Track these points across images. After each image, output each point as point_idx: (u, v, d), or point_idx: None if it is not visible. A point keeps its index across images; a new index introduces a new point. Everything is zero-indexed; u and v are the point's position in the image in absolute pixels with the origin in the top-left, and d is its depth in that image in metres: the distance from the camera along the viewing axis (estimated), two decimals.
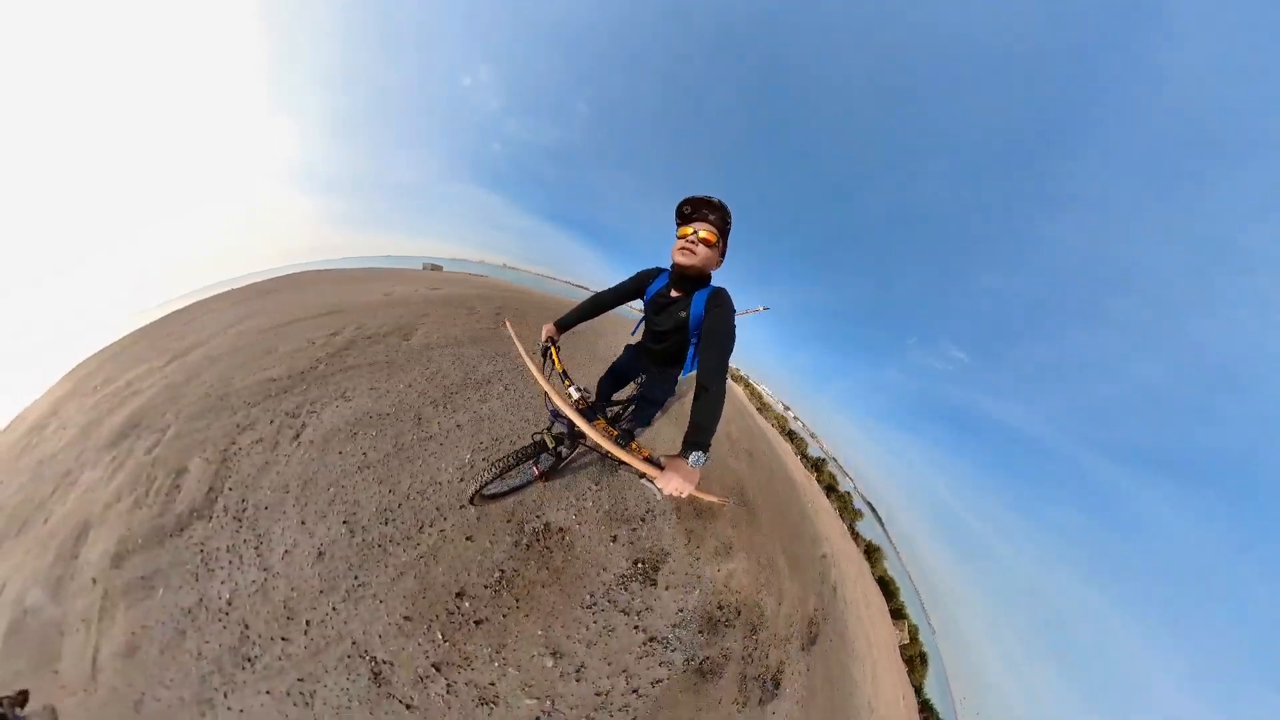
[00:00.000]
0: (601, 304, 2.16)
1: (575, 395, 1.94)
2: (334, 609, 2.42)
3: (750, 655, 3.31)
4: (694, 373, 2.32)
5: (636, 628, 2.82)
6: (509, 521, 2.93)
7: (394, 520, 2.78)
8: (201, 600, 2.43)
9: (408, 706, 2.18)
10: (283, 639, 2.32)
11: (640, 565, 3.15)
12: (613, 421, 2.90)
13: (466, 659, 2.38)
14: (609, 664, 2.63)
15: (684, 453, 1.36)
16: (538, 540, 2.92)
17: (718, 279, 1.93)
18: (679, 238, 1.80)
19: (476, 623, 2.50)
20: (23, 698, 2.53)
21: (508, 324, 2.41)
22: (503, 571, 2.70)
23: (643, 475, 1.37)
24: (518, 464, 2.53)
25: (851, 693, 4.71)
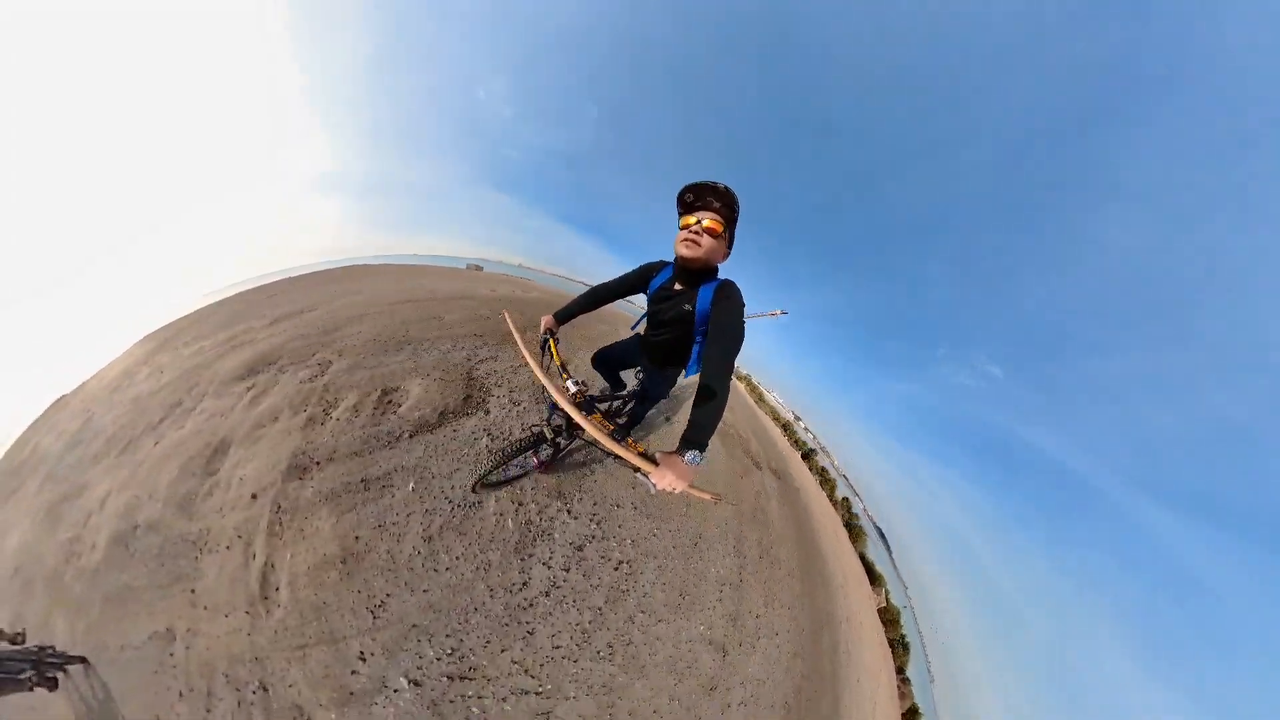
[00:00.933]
0: (602, 296, 2.09)
1: (573, 389, 1.93)
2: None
3: None
4: (695, 374, 2.32)
5: None
6: None
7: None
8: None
9: None
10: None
11: None
12: (610, 415, 2.94)
13: None
14: None
15: (681, 450, 1.34)
16: None
17: (725, 272, 1.83)
18: (681, 228, 1.70)
19: None
20: (20, 638, 2.68)
21: (506, 315, 2.38)
22: None
23: (637, 470, 1.38)
24: (518, 454, 2.62)
25: None
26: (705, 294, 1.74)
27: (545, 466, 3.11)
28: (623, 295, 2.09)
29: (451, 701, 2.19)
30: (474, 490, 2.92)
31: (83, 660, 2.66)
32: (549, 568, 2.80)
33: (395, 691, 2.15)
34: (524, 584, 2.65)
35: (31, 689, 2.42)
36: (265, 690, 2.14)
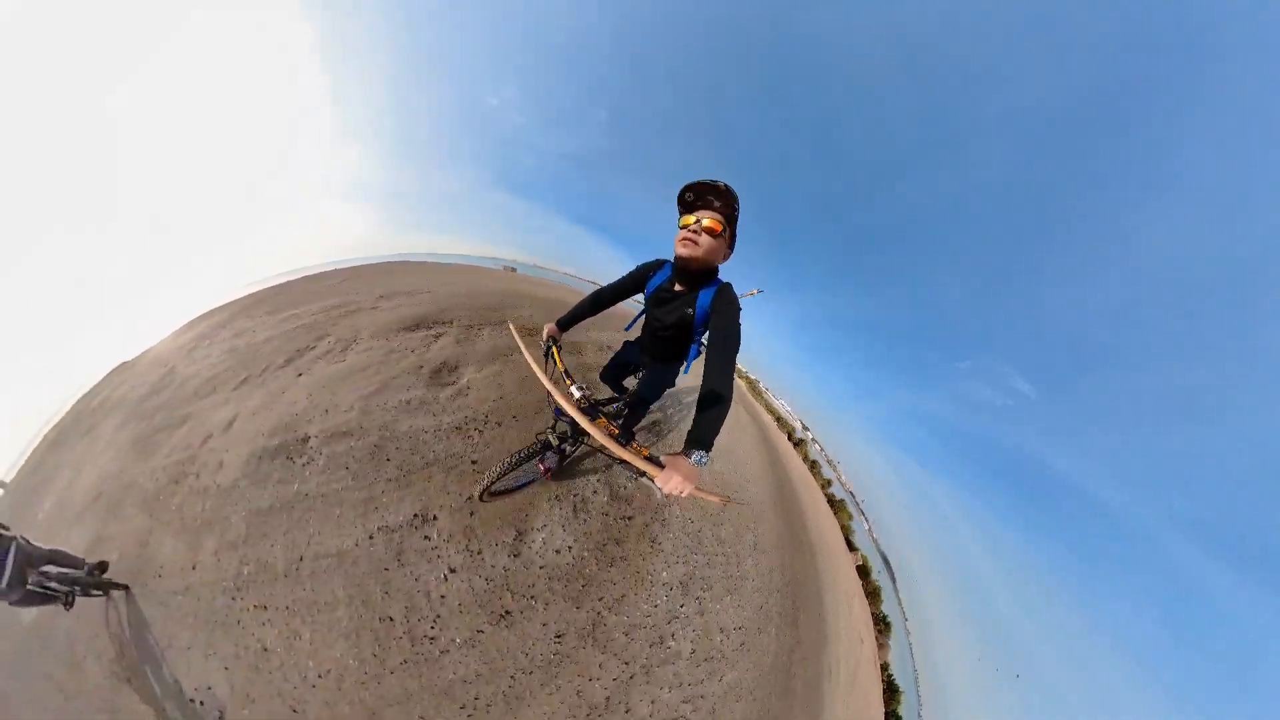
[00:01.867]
0: (601, 301, 2.12)
1: (577, 395, 1.94)
2: None
3: None
4: (688, 373, 2.31)
5: None
6: None
7: None
8: None
9: None
10: None
11: None
12: (613, 419, 2.92)
13: None
14: None
15: (686, 451, 1.34)
16: None
17: (724, 272, 1.84)
18: (681, 227, 1.69)
19: None
20: (103, 566, 3.10)
21: (511, 326, 2.41)
22: None
23: (643, 473, 1.37)
24: (524, 462, 2.60)
25: None
26: (705, 298, 1.76)
27: (552, 473, 3.03)
28: (622, 298, 2.10)
29: None
30: (480, 499, 2.88)
31: (125, 587, 3.00)
32: None
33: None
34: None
35: (66, 607, 2.80)
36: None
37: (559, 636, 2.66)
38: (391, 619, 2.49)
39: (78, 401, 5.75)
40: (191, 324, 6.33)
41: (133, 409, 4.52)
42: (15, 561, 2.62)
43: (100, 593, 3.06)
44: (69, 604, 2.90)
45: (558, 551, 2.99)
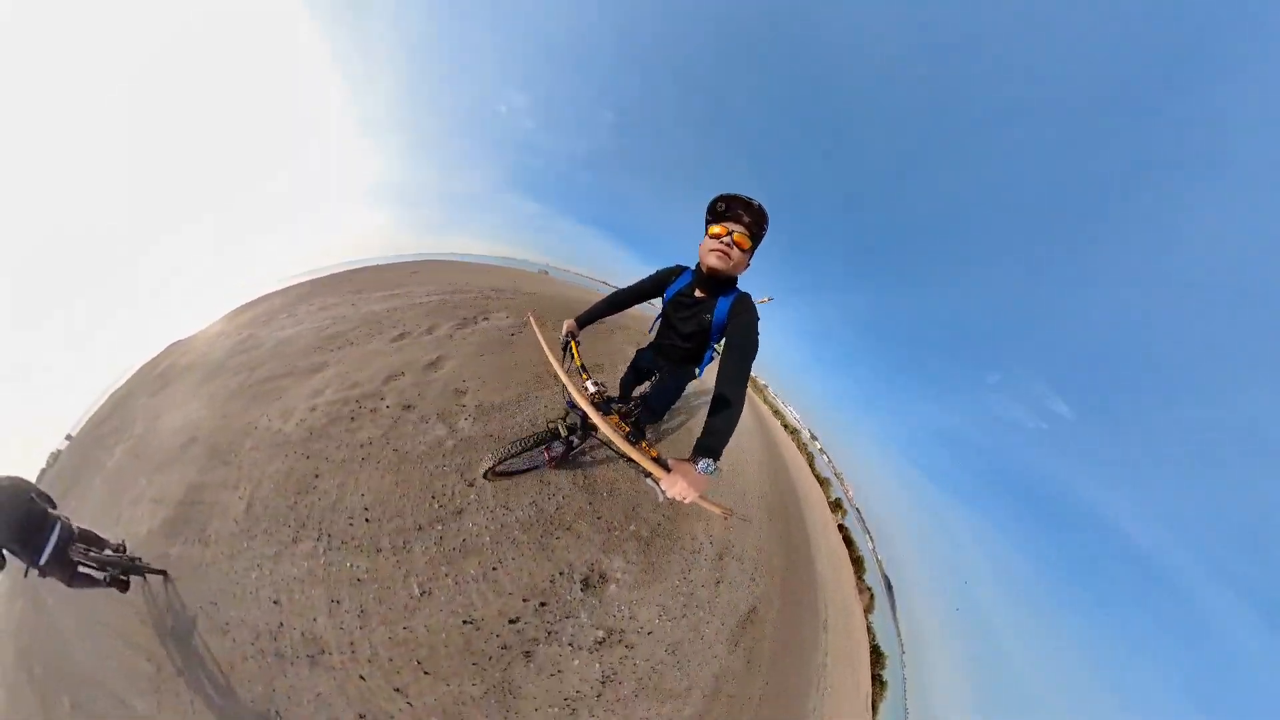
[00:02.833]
0: (619, 302, 2.15)
1: (591, 389, 1.98)
2: None
3: None
4: (700, 376, 2.36)
5: None
6: None
7: None
8: None
9: None
10: None
11: None
12: (624, 417, 2.95)
13: None
14: None
15: (694, 458, 1.32)
16: None
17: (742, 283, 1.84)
18: (710, 236, 1.68)
19: None
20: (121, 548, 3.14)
21: (531, 317, 2.46)
22: None
23: (648, 474, 1.36)
24: (532, 448, 2.66)
25: None
26: (723, 305, 1.77)
27: (556, 462, 3.19)
28: (641, 300, 2.14)
29: None
30: (485, 478, 3.01)
31: (163, 573, 3.11)
32: None
33: None
34: None
35: (108, 586, 2.88)
36: None
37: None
38: None
39: (140, 369, 6.32)
40: (250, 305, 6.91)
41: (219, 364, 5.08)
42: (59, 539, 2.63)
43: (134, 577, 3.04)
44: (124, 586, 2.94)
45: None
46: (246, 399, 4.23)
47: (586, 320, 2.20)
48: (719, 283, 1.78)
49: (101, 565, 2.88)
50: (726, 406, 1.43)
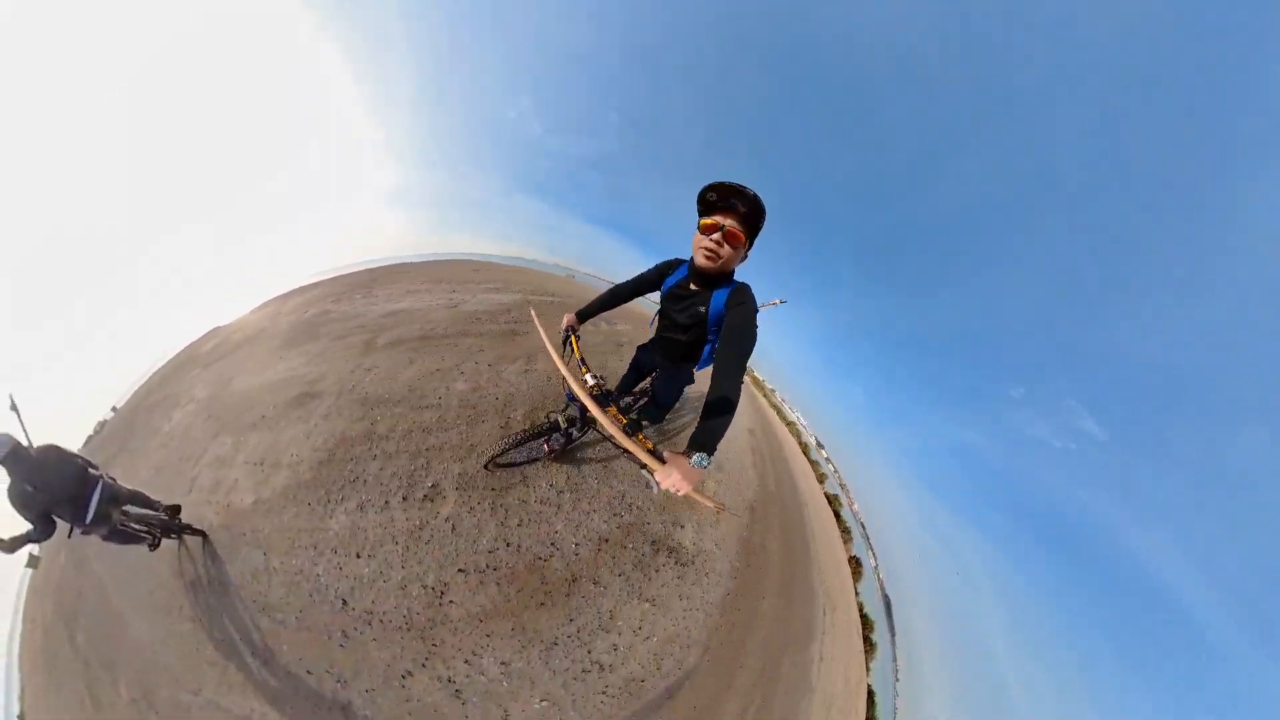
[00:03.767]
0: (620, 295, 2.14)
1: (590, 382, 2.00)
2: None
3: None
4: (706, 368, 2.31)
5: None
6: None
7: None
8: None
9: None
10: None
11: None
12: (624, 412, 3.01)
13: None
14: None
15: (688, 451, 1.32)
16: None
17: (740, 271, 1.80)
18: (701, 230, 1.62)
19: None
20: (175, 511, 3.30)
21: (533, 312, 2.49)
22: None
23: (643, 466, 1.38)
24: (532, 439, 2.79)
25: None
26: (719, 297, 1.73)
27: (555, 454, 3.28)
28: (640, 294, 2.14)
29: None
30: (486, 468, 3.10)
31: (201, 533, 3.26)
32: None
33: None
34: None
35: (151, 548, 3.08)
36: None
37: None
38: None
39: (183, 349, 6.87)
40: (295, 292, 7.25)
41: (282, 334, 5.50)
42: (101, 498, 2.68)
43: (175, 537, 3.19)
44: (155, 545, 3.06)
45: None
46: (344, 355, 4.55)
47: (587, 314, 2.20)
48: (713, 275, 1.75)
49: (144, 525, 3.02)
50: (720, 401, 1.41)
